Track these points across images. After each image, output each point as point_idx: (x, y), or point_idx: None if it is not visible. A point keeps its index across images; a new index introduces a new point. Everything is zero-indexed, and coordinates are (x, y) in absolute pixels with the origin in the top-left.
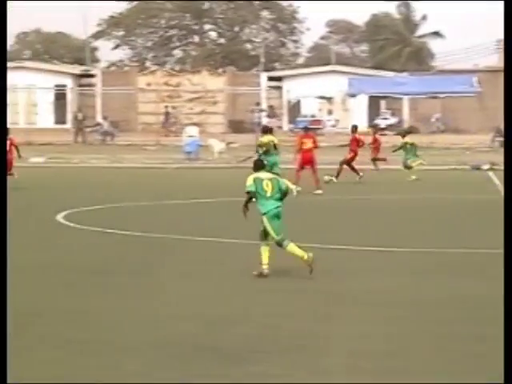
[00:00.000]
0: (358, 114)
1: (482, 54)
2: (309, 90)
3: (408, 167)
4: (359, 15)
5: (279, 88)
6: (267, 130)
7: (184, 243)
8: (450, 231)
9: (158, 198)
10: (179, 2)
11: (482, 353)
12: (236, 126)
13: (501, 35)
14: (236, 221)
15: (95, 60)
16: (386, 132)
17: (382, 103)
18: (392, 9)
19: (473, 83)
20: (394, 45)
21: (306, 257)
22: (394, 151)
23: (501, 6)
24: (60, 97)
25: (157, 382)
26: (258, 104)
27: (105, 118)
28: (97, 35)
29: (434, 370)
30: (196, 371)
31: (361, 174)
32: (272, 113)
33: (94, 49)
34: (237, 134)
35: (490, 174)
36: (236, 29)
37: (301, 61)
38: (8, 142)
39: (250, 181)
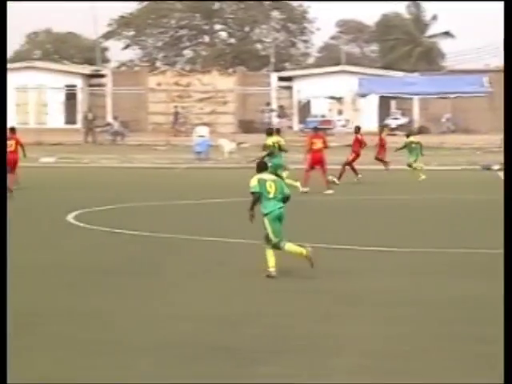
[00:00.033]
0: (368, 114)
1: (493, 54)
2: (319, 90)
3: (409, 165)
4: (369, 15)
5: (289, 88)
6: (272, 132)
7: (192, 243)
8: (458, 231)
9: (167, 198)
10: (189, 2)
11: (483, 353)
12: (246, 126)
13: None
14: (245, 221)
15: (105, 60)
16: (397, 132)
17: (393, 103)
18: (402, 9)
19: (483, 83)
20: (405, 45)
21: (304, 252)
22: (397, 150)
23: None
24: (70, 97)
25: (166, 382)
26: (268, 104)
27: (115, 118)
28: (107, 35)
29: (435, 370)
30: (206, 371)
31: (359, 175)
32: (282, 113)
33: (105, 49)
34: (247, 134)
35: (500, 174)
36: (246, 29)
37: (311, 61)
38: (13, 142)
39: (254, 181)
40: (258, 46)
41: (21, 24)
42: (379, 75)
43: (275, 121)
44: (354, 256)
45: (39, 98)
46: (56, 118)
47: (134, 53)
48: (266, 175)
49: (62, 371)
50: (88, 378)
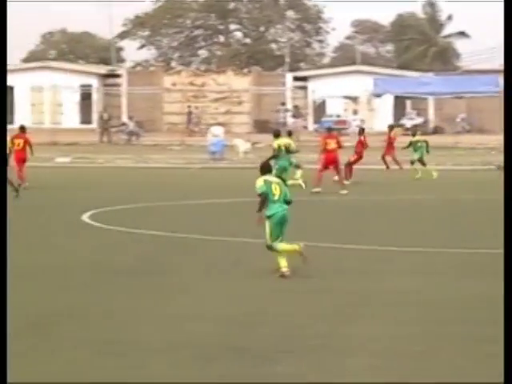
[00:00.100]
0: (383, 114)
1: None
2: (334, 90)
3: (412, 162)
4: (384, 15)
5: (304, 88)
6: (279, 134)
7: (207, 243)
8: (472, 231)
9: (182, 198)
10: (205, 2)
11: (494, 353)
12: (261, 126)
13: None
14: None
15: (121, 60)
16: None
17: (408, 103)
18: (417, 9)
19: (498, 83)
20: (420, 45)
21: (297, 247)
22: (402, 149)
23: None
24: (85, 97)
25: (181, 382)
26: (283, 104)
27: (130, 117)
28: (122, 35)
29: (446, 370)
30: (220, 371)
31: (351, 179)
32: (297, 113)
33: (120, 49)
34: (262, 134)
35: None
36: (261, 29)
37: (326, 61)
38: (22, 140)
39: (260, 182)
40: (273, 45)
41: (36, 24)
42: (394, 75)
43: (290, 121)
44: (366, 256)
45: (54, 97)
46: (71, 117)
47: (149, 53)
48: (270, 177)
49: (75, 371)
50: (101, 378)
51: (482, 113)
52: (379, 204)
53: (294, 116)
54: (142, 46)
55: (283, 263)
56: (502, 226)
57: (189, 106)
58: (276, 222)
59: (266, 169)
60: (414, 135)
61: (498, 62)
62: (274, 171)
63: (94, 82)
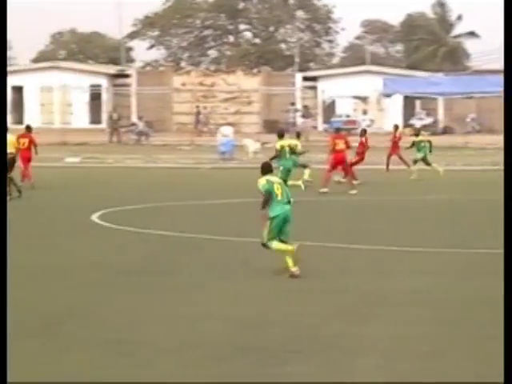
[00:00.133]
0: (392, 114)
1: None
2: (344, 90)
3: (415, 161)
4: (394, 15)
5: (314, 88)
6: (282, 134)
7: (216, 243)
8: (485, 232)
9: (191, 198)
10: (214, 2)
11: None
12: (271, 126)
13: None
14: None
15: (130, 60)
16: (422, 132)
17: (417, 103)
18: (427, 9)
19: None
20: (429, 45)
21: (291, 248)
22: (406, 149)
23: None
24: (95, 97)
25: (191, 382)
26: (292, 104)
27: (140, 117)
28: (132, 35)
29: (456, 370)
30: (230, 371)
31: (344, 180)
32: (307, 113)
33: (129, 49)
34: (271, 134)
35: None
36: (271, 29)
37: (336, 61)
38: (27, 140)
39: (263, 181)
40: (283, 45)
41: (46, 24)
42: (404, 75)
43: (299, 121)
44: (377, 256)
45: (64, 97)
46: (81, 117)
47: (158, 53)
48: (272, 177)
49: (83, 371)
50: (111, 378)
51: (492, 113)
52: (385, 204)
53: (304, 116)
54: (152, 46)
55: (291, 263)
56: None
57: (197, 106)
58: (277, 223)
59: (266, 169)
60: (417, 135)
61: None
62: (278, 173)
63: (104, 82)
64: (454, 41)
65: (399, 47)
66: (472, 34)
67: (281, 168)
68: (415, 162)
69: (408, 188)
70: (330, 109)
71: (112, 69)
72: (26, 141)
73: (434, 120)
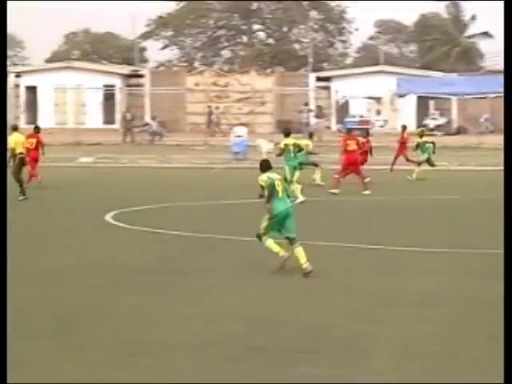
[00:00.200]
0: (406, 114)
1: None
2: (357, 90)
3: (418, 163)
4: (408, 15)
5: (327, 88)
6: (289, 133)
7: (230, 243)
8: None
9: (205, 198)
10: (228, 2)
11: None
12: (284, 127)
13: None
14: None
15: (144, 60)
16: (435, 132)
17: (431, 103)
18: (441, 9)
19: None
20: (443, 45)
21: (281, 253)
22: (411, 150)
23: None
24: (109, 97)
25: (205, 382)
26: (306, 104)
27: (153, 118)
28: (145, 35)
29: (469, 370)
30: (243, 372)
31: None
32: (320, 113)
33: (143, 49)
34: None
35: None
36: (284, 29)
37: (349, 61)
38: (35, 140)
39: (264, 177)
40: (296, 46)
41: (59, 24)
42: (417, 75)
43: (313, 121)
44: (391, 256)
45: (78, 98)
46: (94, 118)
47: (172, 53)
48: (272, 174)
49: (98, 371)
50: (125, 378)
51: None
52: (395, 204)
53: (317, 116)
54: (165, 47)
55: (302, 260)
56: None
57: (209, 106)
58: (278, 220)
59: (265, 166)
60: (421, 136)
61: None
62: (284, 171)
63: (117, 82)
64: (468, 41)
65: (413, 47)
66: (486, 34)
67: (286, 167)
68: (419, 163)
69: (419, 187)
70: (343, 109)
71: (126, 69)
72: (33, 141)
73: (448, 120)
